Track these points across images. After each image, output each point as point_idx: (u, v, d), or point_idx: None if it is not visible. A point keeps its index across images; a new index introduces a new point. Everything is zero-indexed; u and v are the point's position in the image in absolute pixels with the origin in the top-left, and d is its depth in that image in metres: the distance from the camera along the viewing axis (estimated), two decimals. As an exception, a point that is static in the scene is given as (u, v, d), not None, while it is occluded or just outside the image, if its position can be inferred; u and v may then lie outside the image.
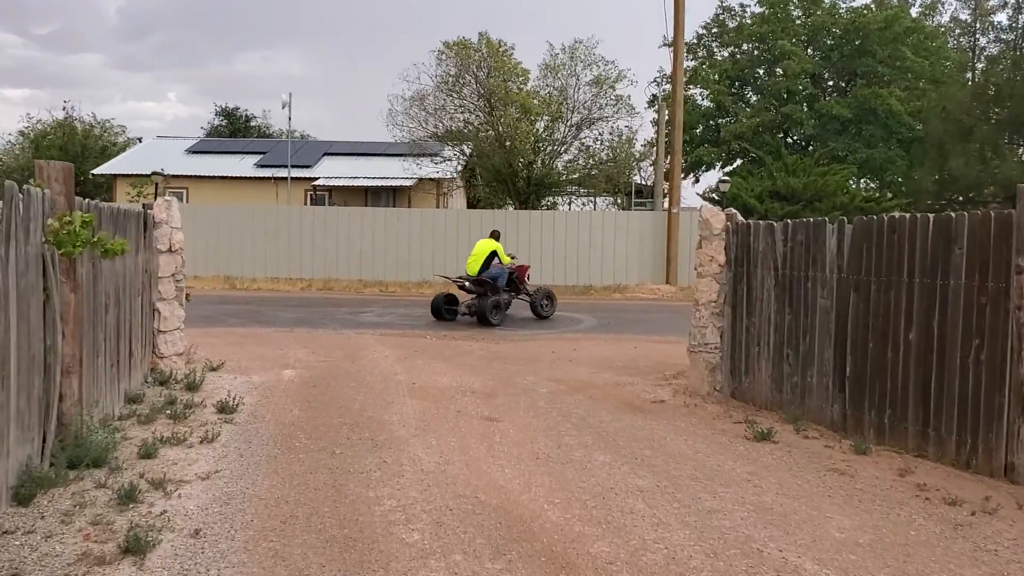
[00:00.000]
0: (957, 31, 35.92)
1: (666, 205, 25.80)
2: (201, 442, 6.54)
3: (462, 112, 27.14)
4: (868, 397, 6.94)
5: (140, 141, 40.65)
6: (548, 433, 7.10)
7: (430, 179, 29.72)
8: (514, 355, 11.55)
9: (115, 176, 32.46)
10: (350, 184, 31.24)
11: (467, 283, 15.74)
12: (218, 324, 14.60)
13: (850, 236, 7.17)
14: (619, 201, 33.24)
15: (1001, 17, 35.34)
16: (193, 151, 35.79)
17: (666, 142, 26.87)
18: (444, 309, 15.72)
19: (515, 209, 28.54)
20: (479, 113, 26.90)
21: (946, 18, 36.92)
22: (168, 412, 7.34)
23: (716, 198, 25.60)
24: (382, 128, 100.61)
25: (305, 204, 31.66)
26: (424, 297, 21.06)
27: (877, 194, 23.91)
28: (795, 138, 31.18)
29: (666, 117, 26.98)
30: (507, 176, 27.25)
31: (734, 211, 8.83)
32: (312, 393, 8.61)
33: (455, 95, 26.66)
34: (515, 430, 7.19)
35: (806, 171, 22.74)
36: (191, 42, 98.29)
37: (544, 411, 7.97)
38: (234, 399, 7.77)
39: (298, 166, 32.38)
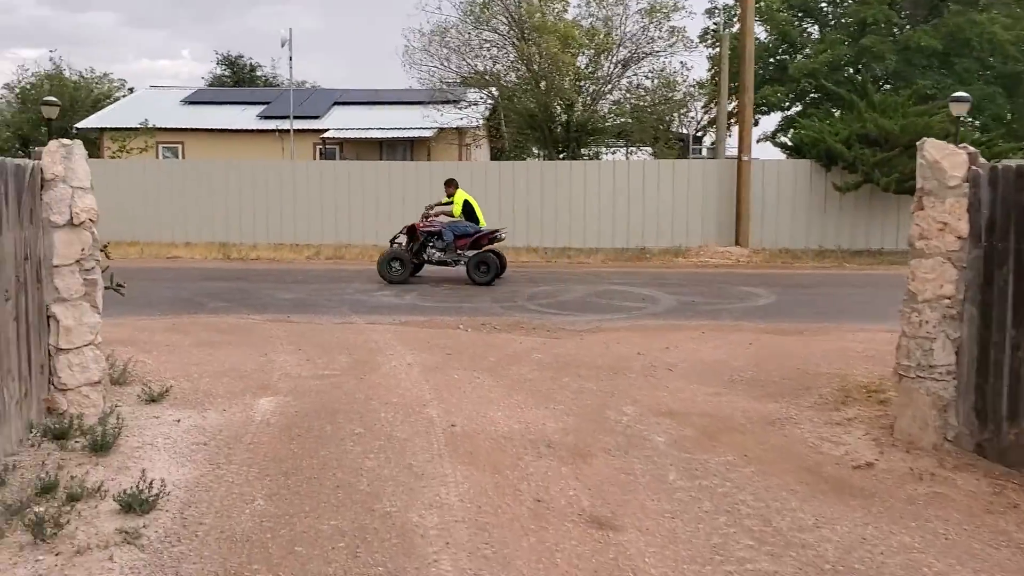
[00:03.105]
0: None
1: (730, 152, 22.36)
2: (55, 613, 3.30)
3: (490, 47, 23.46)
4: None
5: (132, 92, 37.20)
6: (724, 571, 3.80)
7: (452, 128, 26.18)
8: (587, 360, 8.23)
9: (102, 130, 29.14)
10: (363, 136, 27.70)
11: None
12: (195, 310, 11.35)
13: None
14: (656, 152, 29.49)
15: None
16: (189, 102, 32.25)
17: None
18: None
19: (548, 159, 25.03)
20: (509, 48, 23.22)
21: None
22: (33, 515, 4.10)
23: (790, 143, 21.99)
24: (401, 76, 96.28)
25: (313, 159, 28.22)
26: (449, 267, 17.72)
27: (986, 137, 20.24)
28: (876, 75, 27.21)
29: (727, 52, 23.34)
30: (543, 122, 23.60)
31: (975, 150, 5.40)
32: (294, 454, 5.34)
33: (482, 26, 22.97)
34: (657, 560, 3.89)
35: (901, 111, 19.12)
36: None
37: (686, 497, 4.66)
38: (152, 483, 4.50)
39: (305, 116, 28.84)
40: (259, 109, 30.72)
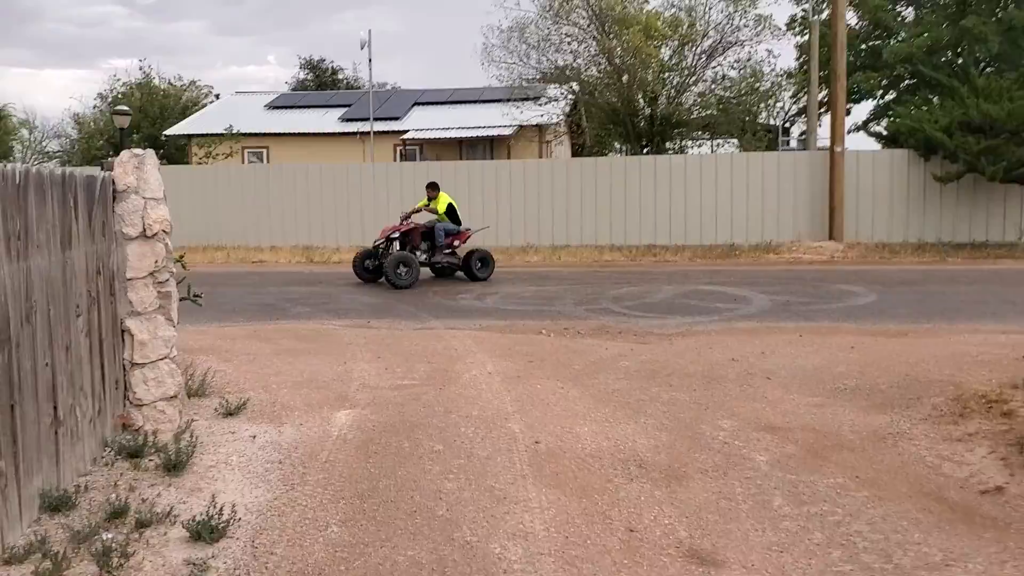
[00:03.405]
0: None
1: (820, 143, 21.52)
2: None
3: (570, 42, 23.06)
4: None
5: (217, 98, 37.94)
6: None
7: (532, 126, 25.86)
8: (677, 367, 7.81)
9: (190, 136, 29.73)
10: (442, 136, 27.61)
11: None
12: (278, 316, 11.29)
13: None
14: (743, 144, 28.64)
15: None
16: (273, 107, 32.71)
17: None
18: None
19: (630, 154, 24.50)
20: (590, 42, 22.77)
21: None
22: (99, 545, 3.92)
23: (885, 132, 21.01)
24: (479, 75, 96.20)
25: (394, 160, 28.26)
26: (530, 267, 17.44)
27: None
28: (978, 58, 25.73)
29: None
30: (625, 116, 23.08)
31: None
32: (370, 474, 5.08)
33: (562, 20, 22.58)
34: (766, 605, 3.50)
35: (1007, 95, 17.99)
36: (289, 3, 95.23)
37: (794, 527, 4.23)
38: (223, 509, 4.29)
39: (385, 118, 28.93)
40: (340, 112, 30.95)
